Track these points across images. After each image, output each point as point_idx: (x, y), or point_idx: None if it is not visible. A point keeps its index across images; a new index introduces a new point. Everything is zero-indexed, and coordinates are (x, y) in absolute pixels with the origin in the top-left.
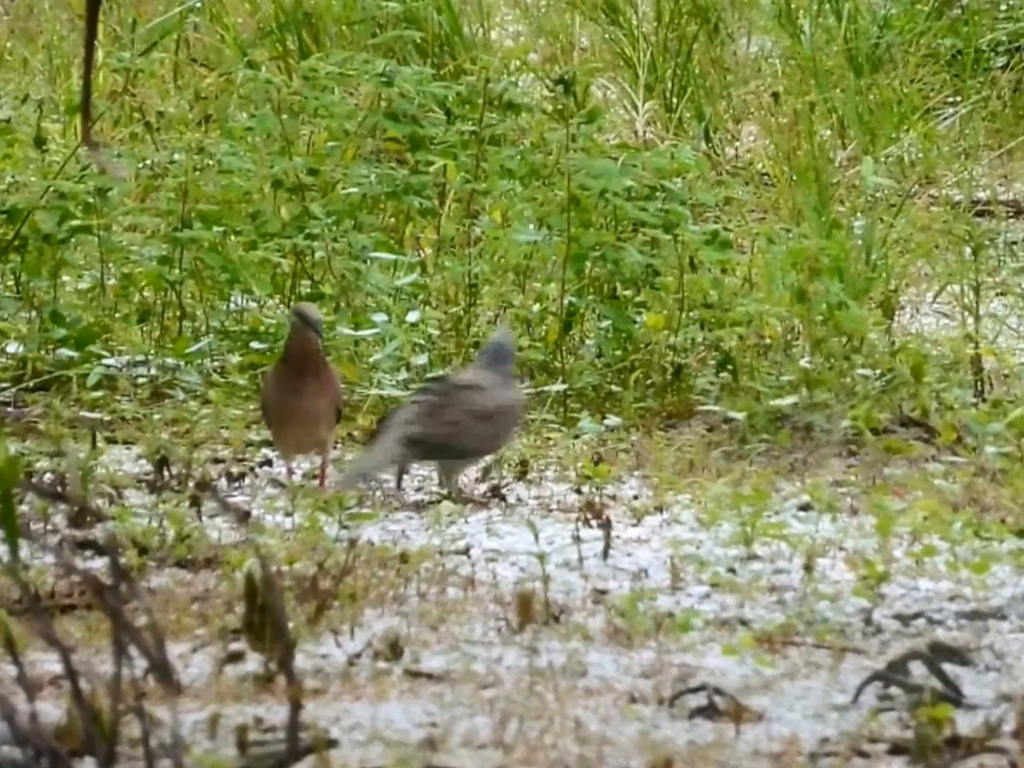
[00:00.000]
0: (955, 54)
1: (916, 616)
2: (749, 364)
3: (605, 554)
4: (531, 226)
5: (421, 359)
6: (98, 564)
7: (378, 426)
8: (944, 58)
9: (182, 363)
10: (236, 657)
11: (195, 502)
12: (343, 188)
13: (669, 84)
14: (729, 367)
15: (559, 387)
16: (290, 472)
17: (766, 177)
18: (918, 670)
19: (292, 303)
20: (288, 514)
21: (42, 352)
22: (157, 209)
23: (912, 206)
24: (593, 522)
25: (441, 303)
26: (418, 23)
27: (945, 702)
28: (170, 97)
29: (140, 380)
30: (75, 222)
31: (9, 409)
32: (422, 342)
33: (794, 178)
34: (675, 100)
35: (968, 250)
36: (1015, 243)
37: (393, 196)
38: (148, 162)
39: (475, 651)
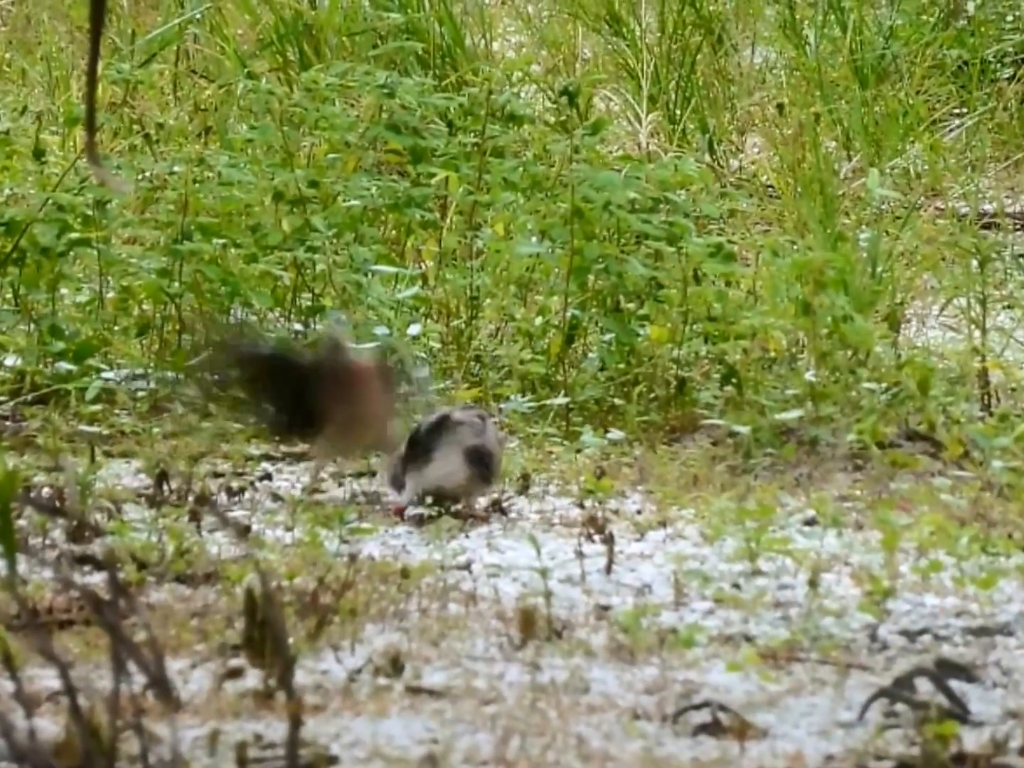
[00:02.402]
0: (961, 65)
1: (922, 632)
2: (753, 377)
3: (608, 569)
4: (533, 238)
5: (422, 373)
6: (97, 579)
7: (412, 445)
8: (950, 69)
9: (181, 376)
10: (236, 673)
11: (194, 517)
12: (344, 200)
13: (673, 95)
14: (733, 380)
15: (561, 400)
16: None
17: (770, 189)
18: (924, 686)
19: (293, 316)
20: (288, 529)
21: (40, 365)
22: (156, 221)
23: (918, 218)
24: (596, 537)
25: (442, 316)
26: (419, 34)
27: (951, 719)
28: (170, 109)
29: (139, 394)
30: (74, 235)
31: (7, 423)
32: (423, 355)
33: (799, 190)
34: (679, 111)
35: (975, 263)
36: (1022, 256)
37: (394, 208)
38: (147, 174)
39: (477, 667)
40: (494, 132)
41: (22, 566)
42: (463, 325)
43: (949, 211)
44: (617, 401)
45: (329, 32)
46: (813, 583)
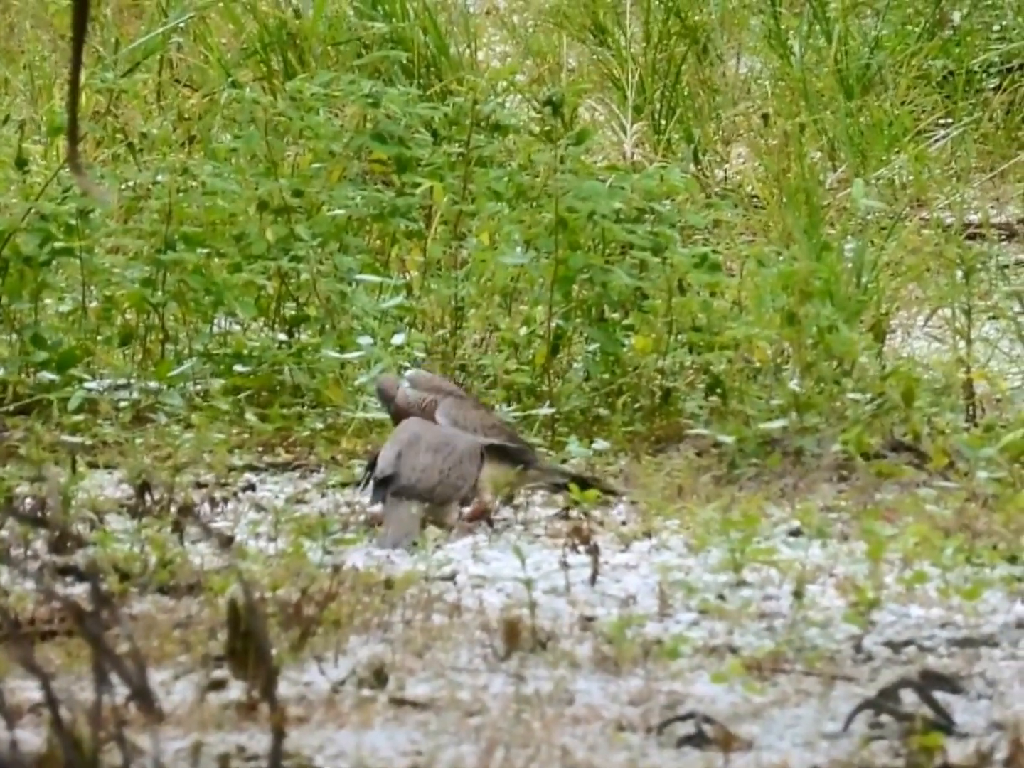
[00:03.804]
0: (947, 75)
1: (907, 643)
2: (738, 388)
3: (593, 580)
4: (518, 248)
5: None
6: (79, 590)
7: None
8: (935, 79)
9: (165, 386)
10: (219, 684)
11: (177, 527)
12: (329, 210)
13: (658, 105)
14: (718, 390)
15: (547, 410)
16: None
17: (756, 199)
18: (909, 698)
19: (277, 326)
20: (272, 539)
21: (23, 375)
22: (140, 231)
23: (903, 229)
24: (581, 548)
25: (427, 326)
26: (404, 43)
27: (936, 730)
28: (153, 118)
29: (122, 404)
30: (57, 244)
31: None
32: (408, 365)
33: (784, 200)
34: (664, 121)
35: (960, 273)
36: (1007, 266)
37: (379, 218)
38: (131, 183)
39: (461, 678)
40: (479, 142)
41: (4, 576)
42: (448, 335)
43: (934, 221)
44: (602, 411)
45: (313, 41)
46: (798, 594)
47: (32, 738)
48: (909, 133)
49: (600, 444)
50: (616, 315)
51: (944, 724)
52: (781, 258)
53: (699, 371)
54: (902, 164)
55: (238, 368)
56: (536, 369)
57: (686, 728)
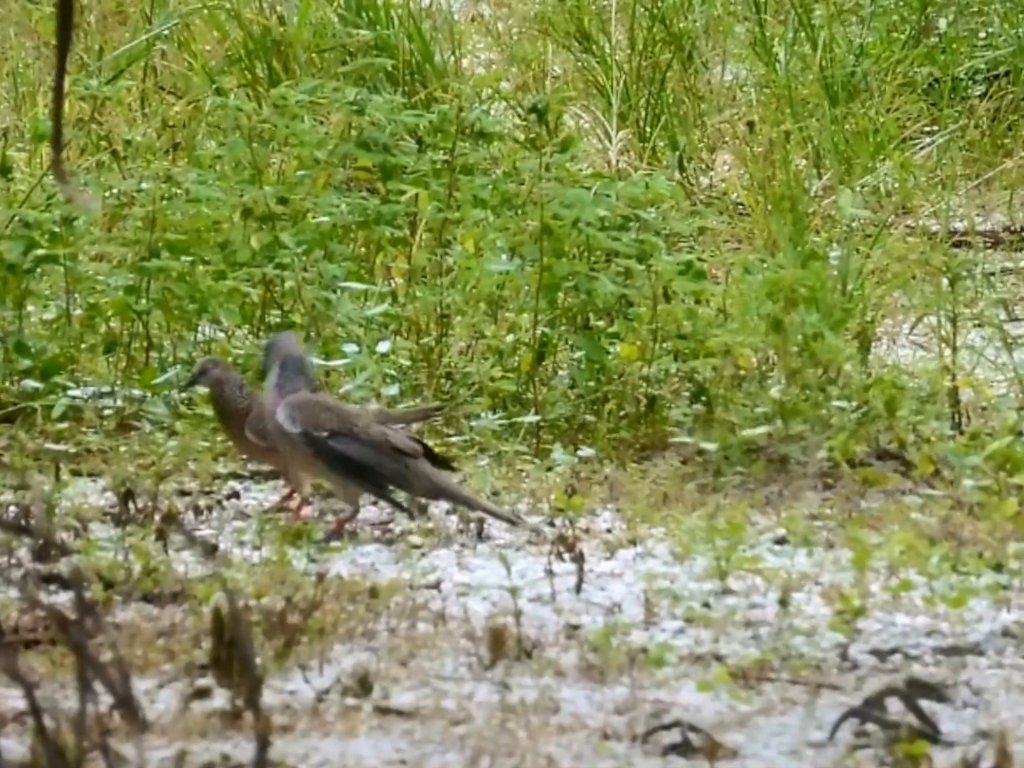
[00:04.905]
0: (932, 82)
1: (893, 651)
2: (723, 395)
3: (578, 588)
4: (503, 256)
5: (392, 390)
6: (63, 598)
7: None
8: (921, 86)
9: (149, 394)
10: (203, 693)
11: (161, 535)
12: (313, 217)
13: (643, 112)
14: (703, 398)
15: (532, 418)
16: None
17: (741, 207)
18: (895, 706)
19: (261, 333)
20: (256, 547)
21: (7, 383)
22: (124, 238)
23: (889, 236)
24: (566, 555)
25: (412, 333)
26: (389, 51)
27: (922, 739)
28: (137, 125)
29: (106, 411)
30: (41, 251)
31: None
32: (393, 372)
33: (769, 208)
34: (649, 129)
35: (945, 281)
36: (992, 274)
37: (364, 225)
38: (115, 191)
39: (446, 687)
40: (464, 149)
41: None
42: (433, 342)
43: (920, 229)
44: (587, 418)
45: (298, 48)
46: (783, 602)
47: (16, 746)
48: (894, 140)
49: (585, 451)
50: (601, 323)
51: (930, 732)
52: (766, 265)
53: (684, 379)
54: (887, 171)
55: None
56: (521, 376)
57: (671, 737)
